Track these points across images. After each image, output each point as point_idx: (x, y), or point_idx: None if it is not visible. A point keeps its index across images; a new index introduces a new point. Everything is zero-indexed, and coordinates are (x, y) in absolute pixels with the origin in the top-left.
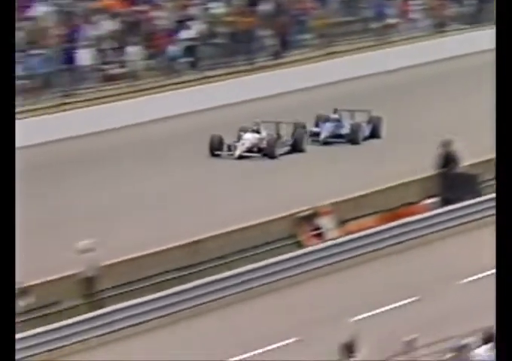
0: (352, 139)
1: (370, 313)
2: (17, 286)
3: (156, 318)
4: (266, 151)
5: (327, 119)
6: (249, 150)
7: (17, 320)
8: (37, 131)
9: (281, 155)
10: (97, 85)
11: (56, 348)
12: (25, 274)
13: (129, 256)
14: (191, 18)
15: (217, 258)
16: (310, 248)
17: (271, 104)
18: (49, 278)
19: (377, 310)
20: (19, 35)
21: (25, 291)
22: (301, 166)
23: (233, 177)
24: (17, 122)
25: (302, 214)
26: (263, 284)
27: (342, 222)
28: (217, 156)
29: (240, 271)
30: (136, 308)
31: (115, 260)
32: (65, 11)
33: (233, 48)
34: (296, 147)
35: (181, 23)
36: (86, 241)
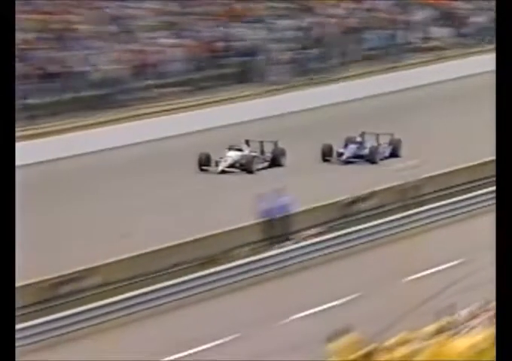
0: (370, 159)
1: None
2: None
3: None
4: (245, 167)
5: (352, 142)
6: (231, 166)
7: None
8: None
9: (260, 169)
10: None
11: None
12: None
13: None
14: None
15: None
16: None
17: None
18: None
19: None
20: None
21: None
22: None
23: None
24: None
25: None
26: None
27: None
28: (205, 170)
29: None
30: None
31: None
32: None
33: None
34: (275, 163)
35: None
36: None
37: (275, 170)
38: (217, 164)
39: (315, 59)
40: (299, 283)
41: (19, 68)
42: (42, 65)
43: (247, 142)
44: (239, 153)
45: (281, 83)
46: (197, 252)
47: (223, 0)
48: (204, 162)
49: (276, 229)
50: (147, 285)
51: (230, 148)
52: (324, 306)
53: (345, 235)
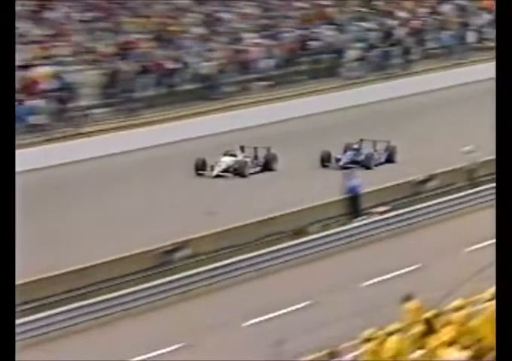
0: (365, 165)
1: None
2: None
3: None
4: (238, 171)
5: (350, 148)
6: (225, 171)
7: None
8: None
9: (253, 174)
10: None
11: None
12: None
13: None
14: None
15: None
16: None
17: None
18: None
19: None
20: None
21: None
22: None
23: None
24: None
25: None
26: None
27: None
28: (201, 175)
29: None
30: None
31: None
32: (460, 7)
33: None
34: (267, 167)
35: None
36: None
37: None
38: (212, 168)
39: (387, 57)
40: (369, 254)
41: (130, 65)
42: (151, 62)
43: (241, 148)
44: (233, 159)
45: (358, 78)
46: (285, 225)
47: (311, 1)
48: (200, 167)
49: (353, 205)
50: (236, 255)
51: (225, 154)
52: (390, 275)
53: (410, 212)
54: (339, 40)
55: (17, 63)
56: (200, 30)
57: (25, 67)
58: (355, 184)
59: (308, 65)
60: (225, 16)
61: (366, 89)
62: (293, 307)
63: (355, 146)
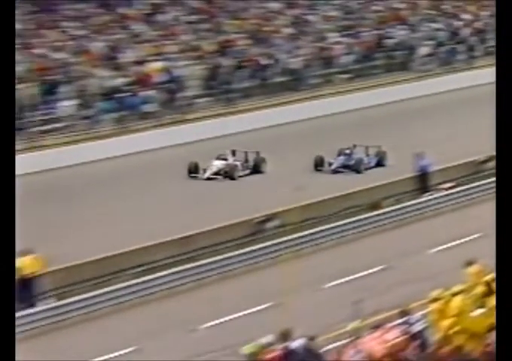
0: (356, 169)
1: None
2: None
3: None
4: (228, 174)
5: (342, 153)
6: (216, 173)
7: None
8: None
9: (242, 176)
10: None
11: None
12: None
13: None
14: None
15: None
16: None
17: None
18: None
19: None
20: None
21: None
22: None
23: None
24: None
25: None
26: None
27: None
28: (194, 177)
29: None
30: None
31: None
32: None
33: None
34: (256, 170)
35: None
36: None
37: None
38: (204, 171)
39: (454, 53)
40: (437, 224)
41: (228, 61)
42: (247, 58)
43: (233, 152)
44: (224, 162)
45: (427, 71)
46: (361, 200)
47: (387, 4)
48: (193, 170)
49: (422, 182)
50: (319, 225)
51: (217, 158)
52: (455, 242)
53: (473, 188)
54: (411, 39)
55: (133, 59)
56: (290, 30)
57: (140, 62)
58: (426, 163)
59: (383, 60)
60: (311, 18)
61: (434, 81)
62: (369, 271)
63: (347, 151)
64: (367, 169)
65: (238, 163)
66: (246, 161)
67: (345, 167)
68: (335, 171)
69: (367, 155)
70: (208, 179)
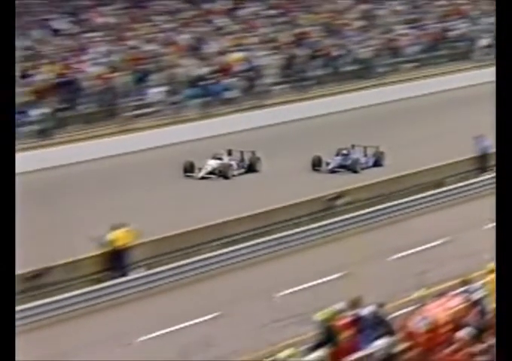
0: (352, 169)
1: None
2: None
3: None
4: (222, 173)
5: (340, 153)
6: (211, 173)
7: None
8: None
9: (236, 175)
10: None
11: None
12: None
13: None
14: None
15: None
16: None
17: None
18: None
19: None
20: None
21: None
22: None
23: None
24: None
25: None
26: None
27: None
28: (189, 176)
29: None
30: None
31: None
32: None
33: None
34: (251, 169)
35: None
36: None
37: None
38: (200, 170)
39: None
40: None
41: (303, 51)
42: (320, 49)
43: (229, 152)
44: (218, 161)
45: (486, 61)
46: (426, 178)
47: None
48: (189, 169)
49: (482, 162)
50: (385, 202)
51: (213, 157)
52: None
53: None
54: (471, 31)
55: (216, 50)
56: (360, 23)
57: (222, 53)
58: (486, 144)
59: (447, 50)
60: (380, 12)
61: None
62: (432, 244)
63: (345, 151)
64: (363, 169)
65: (233, 162)
66: (242, 160)
67: (342, 167)
68: (332, 171)
69: (365, 155)
70: (202, 178)
